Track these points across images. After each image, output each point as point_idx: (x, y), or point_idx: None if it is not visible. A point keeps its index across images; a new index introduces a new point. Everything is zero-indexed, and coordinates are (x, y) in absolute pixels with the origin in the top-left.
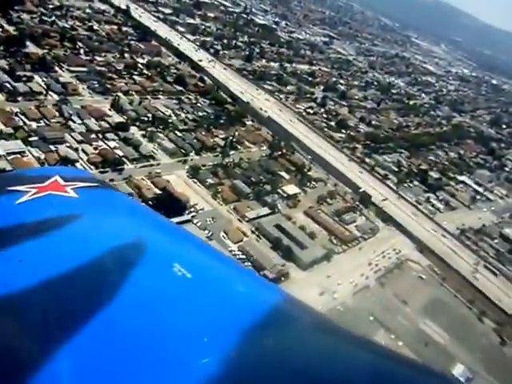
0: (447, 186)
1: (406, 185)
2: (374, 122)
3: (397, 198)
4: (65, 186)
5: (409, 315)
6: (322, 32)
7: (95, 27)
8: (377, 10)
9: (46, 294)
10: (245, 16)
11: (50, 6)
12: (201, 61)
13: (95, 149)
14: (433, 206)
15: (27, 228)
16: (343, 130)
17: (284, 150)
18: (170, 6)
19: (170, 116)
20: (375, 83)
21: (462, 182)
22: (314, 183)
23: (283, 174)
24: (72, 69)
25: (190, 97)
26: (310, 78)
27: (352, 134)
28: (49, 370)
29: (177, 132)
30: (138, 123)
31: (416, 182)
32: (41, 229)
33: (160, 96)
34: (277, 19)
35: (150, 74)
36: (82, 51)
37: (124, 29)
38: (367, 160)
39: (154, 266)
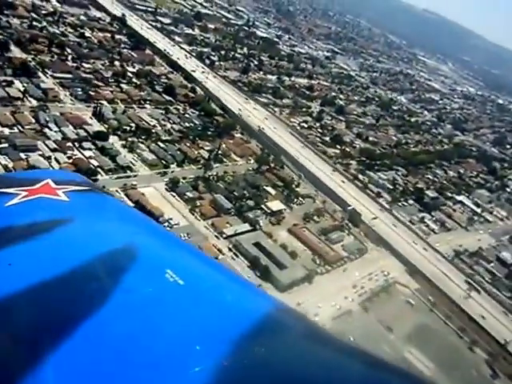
0: (444, 205)
1: (400, 204)
2: (371, 138)
3: (389, 218)
4: (56, 190)
5: (393, 343)
6: (325, 47)
7: (87, 34)
8: (384, 27)
9: (35, 298)
10: (246, 29)
11: (43, 12)
12: (194, 71)
13: (69, 158)
14: (427, 226)
15: (17, 231)
16: (338, 146)
17: (272, 165)
18: (170, 17)
19: (154, 126)
20: (376, 99)
21: (460, 202)
22: (301, 199)
23: (269, 189)
24: (56, 75)
25: (178, 107)
26: (307, 92)
27: (347, 149)
28: (38, 375)
29: (159, 143)
30: (119, 132)
31: (411, 201)
32: (31, 232)
33: (147, 105)
34: (280, 33)
35: (138, 83)
36: (69, 58)
37: (117, 37)
38: (360, 177)
39: (146, 272)
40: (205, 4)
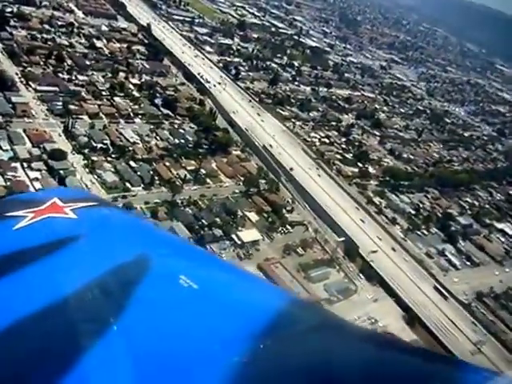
0: (477, 235)
1: (419, 232)
2: (405, 155)
3: (397, 250)
4: (63, 208)
5: None
6: (385, 56)
7: (98, 45)
8: (464, 35)
9: (50, 318)
10: (296, 38)
11: (59, 23)
12: (208, 82)
13: (6, 180)
14: (448, 260)
15: (27, 253)
16: (360, 164)
17: (267, 187)
18: (209, 26)
19: (133, 143)
20: (427, 111)
21: (501, 230)
22: (289, 228)
23: (251, 215)
24: (40, 88)
25: (175, 121)
26: (344, 104)
27: (370, 168)
28: None
29: (132, 162)
30: (86, 150)
31: (435, 229)
32: (41, 253)
33: (136, 120)
34: (336, 42)
35: (137, 96)
36: (66, 69)
37: (135, 47)
38: (377, 200)
39: (160, 281)
40: (257, 14)
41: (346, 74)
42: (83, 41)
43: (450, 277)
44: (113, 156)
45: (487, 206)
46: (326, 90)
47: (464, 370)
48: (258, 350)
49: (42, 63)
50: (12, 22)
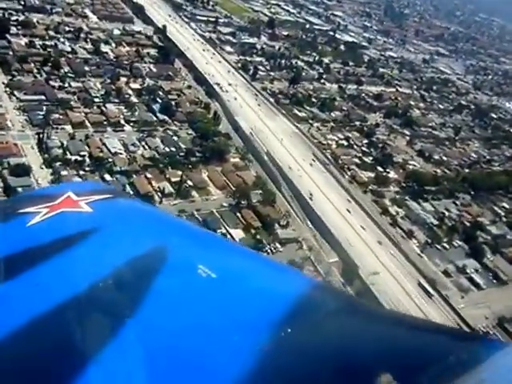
0: (510, 247)
1: (439, 246)
2: (437, 156)
3: (407, 268)
4: (78, 201)
5: None
6: (430, 49)
7: (105, 50)
8: None
9: (68, 314)
10: (331, 34)
11: (67, 29)
12: (218, 84)
13: None
14: (469, 279)
15: (41, 250)
16: (380, 168)
17: (260, 199)
18: (235, 26)
19: (115, 154)
20: (471, 107)
21: None
22: (278, 246)
23: (236, 232)
24: (25, 97)
25: (171, 128)
26: (372, 102)
27: (390, 173)
28: (88, 378)
29: (107, 175)
30: (58, 164)
31: (458, 242)
32: (55, 248)
33: (127, 127)
34: (377, 36)
35: (135, 101)
36: (60, 76)
37: (146, 50)
38: (394, 210)
39: (178, 270)
40: (292, 11)
41: (382, 70)
42: (89, 46)
43: (469, 299)
44: (87, 169)
45: None
46: (355, 87)
47: (489, 345)
48: (280, 338)
49: (35, 71)
50: (15, 30)
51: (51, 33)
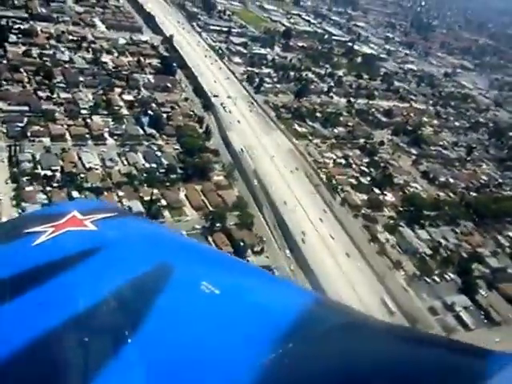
0: (507, 282)
1: (429, 279)
2: (443, 179)
3: (389, 305)
4: (83, 220)
5: None
6: (454, 62)
7: (105, 59)
8: None
9: (70, 333)
10: (349, 45)
11: (70, 38)
12: (216, 96)
13: None
14: (457, 317)
15: (47, 268)
16: (377, 190)
17: (238, 221)
18: (249, 36)
19: (89, 169)
20: (489, 124)
21: None
22: None
23: None
24: (7, 108)
25: (157, 143)
26: (382, 118)
27: (387, 195)
28: None
29: (75, 192)
30: (25, 178)
31: (451, 275)
32: (61, 268)
33: (110, 141)
34: (399, 48)
35: (125, 113)
36: (50, 86)
37: (148, 61)
38: (384, 237)
39: (181, 287)
40: (313, 21)
41: (398, 83)
42: (89, 56)
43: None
44: (55, 185)
45: None
46: (365, 101)
47: (494, 359)
48: (284, 353)
49: (26, 80)
50: (14, 38)
51: (52, 42)
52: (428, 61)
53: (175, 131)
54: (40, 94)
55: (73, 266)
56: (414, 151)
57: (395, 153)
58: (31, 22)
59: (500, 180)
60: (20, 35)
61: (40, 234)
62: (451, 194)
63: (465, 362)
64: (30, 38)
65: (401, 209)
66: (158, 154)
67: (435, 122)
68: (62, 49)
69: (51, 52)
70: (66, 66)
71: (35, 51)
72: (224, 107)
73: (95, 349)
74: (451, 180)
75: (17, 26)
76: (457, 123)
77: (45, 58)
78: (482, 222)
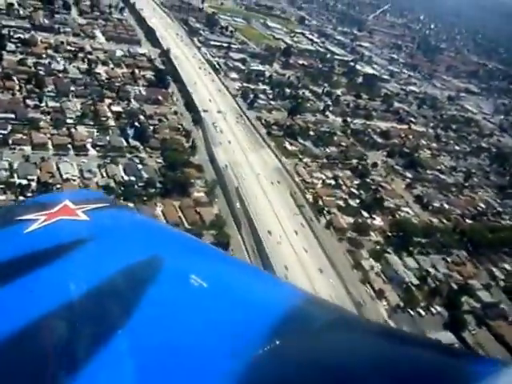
0: (501, 318)
1: (413, 311)
2: (437, 204)
3: None
4: (75, 210)
5: None
6: (460, 86)
7: (99, 70)
8: None
9: (63, 319)
10: (351, 65)
11: (68, 48)
12: (206, 111)
13: None
14: None
15: (38, 256)
16: (365, 213)
17: (212, 240)
18: (248, 52)
19: (66, 180)
20: (492, 150)
21: None
22: None
23: None
24: None
25: (140, 155)
26: (378, 139)
27: (376, 219)
28: None
29: None
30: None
31: (438, 308)
32: (52, 256)
33: (92, 152)
34: (403, 70)
35: (111, 124)
36: (39, 95)
37: (143, 73)
38: (370, 263)
39: (171, 280)
40: (316, 40)
41: (398, 105)
42: (84, 66)
43: None
44: (29, 195)
45: None
46: (362, 121)
47: (479, 363)
48: (270, 349)
49: (17, 88)
50: (13, 47)
51: (50, 51)
52: (432, 83)
53: (160, 144)
54: (28, 102)
55: (63, 255)
56: (408, 174)
57: (388, 175)
58: (32, 32)
59: (499, 208)
60: (19, 44)
61: (32, 222)
62: (445, 221)
63: (455, 366)
64: (29, 47)
65: (389, 234)
66: (140, 166)
67: (434, 145)
68: (58, 59)
69: (46, 61)
70: (60, 75)
71: (31, 60)
72: (213, 123)
73: (84, 337)
74: (446, 206)
75: (17, 36)
76: (457, 147)
77: (39, 67)
78: (476, 251)
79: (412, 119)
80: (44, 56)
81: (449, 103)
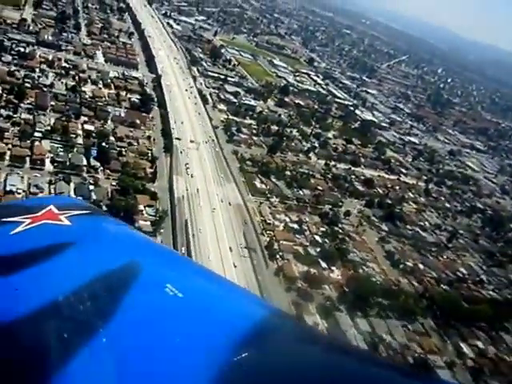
0: None
1: None
2: (410, 263)
3: None
4: (59, 215)
5: None
6: (464, 142)
7: (85, 89)
8: None
9: (42, 321)
10: (351, 109)
11: (63, 65)
12: (179, 139)
13: None
14: None
15: (22, 258)
16: (324, 264)
17: None
18: (245, 86)
19: (10, 192)
20: (488, 211)
21: None
22: None
23: None
24: None
25: (96, 176)
26: (359, 187)
27: (334, 272)
28: None
29: None
30: None
31: None
32: (35, 258)
33: (48, 167)
34: (406, 119)
35: (78, 142)
36: (12, 107)
37: (129, 96)
38: (316, 320)
39: (147, 288)
40: (320, 82)
41: (391, 154)
42: (72, 83)
43: None
44: None
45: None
46: (347, 167)
47: None
48: (238, 360)
49: None
50: (9, 59)
51: (44, 66)
52: (435, 136)
53: (121, 167)
54: (2, 111)
55: (46, 258)
56: (384, 227)
57: (361, 226)
58: (35, 47)
59: (483, 276)
60: (16, 57)
61: (18, 224)
62: (415, 283)
63: None
64: (24, 60)
65: (345, 290)
66: (91, 187)
67: (422, 199)
68: (50, 74)
69: (36, 75)
70: (45, 89)
71: (22, 73)
72: (181, 151)
73: (59, 340)
74: (421, 266)
75: (17, 49)
76: (447, 204)
77: (27, 80)
78: (445, 322)
79: (403, 170)
80: (37, 70)
81: (449, 158)
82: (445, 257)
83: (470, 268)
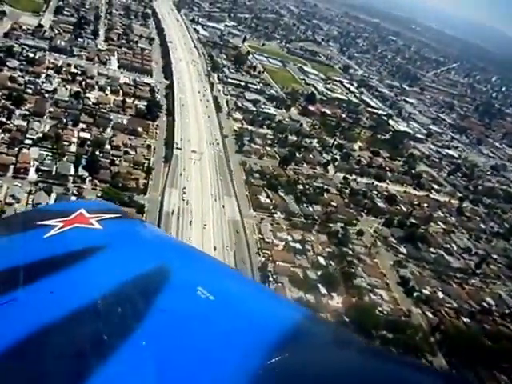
0: None
1: None
2: (427, 291)
3: None
4: (90, 219)
5: None
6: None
7: (89, 95)
8: None
9: (77, 323)
10: (384, 119)
11: (72, 71)
12: (179, 149)
13: None
14: None
15: (56, 260)
16: (323, 290)
17: None
18: (267, 94)
19: None
20: None
21: None
22: None
23: None
24: None
25: (83, 187)
26: (378, 203)
27: (334, 299)
28: None
29: None
30: None
31: None
32: (69, 261)
33: (32, 176)
34: (448, 131)
35: (70, 151)
36: (7, 113)
37: (136, 102)
38: None
39: (178, 291)
40: (353, 90)
41: (423, 168)
42: (78, 89)
43: None
44: None
45: None
46: (370, 182)
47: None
48: (271, 363)
49: None
50: (16, 64)
51: (50, 72)
52: (478, 149)
53: (111, 178)
54: None
55: (79, 261)
56: (402, 249)
57: (375, 247)
58: (46, 53)
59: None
60: (24, 62)
61: (51, 228)
62: (429, 314)
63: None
64: (31, 66)
65: (344, 319)
66: (73, 198)
67: (452, 219)
68: (55, 80)
69: (40, 81)
70: (46, 95)
71: (26, 78)
72: (182, 161)
73: (93, 341)
74: (440, 295)
75: (26, 54)
76: (482, 225)
77: (29, 86)
78: (460, 361)
79: (435, 186)
80: (42, 76)
81: (491, 174)
82: (470, 284)
83: (499, 298)
